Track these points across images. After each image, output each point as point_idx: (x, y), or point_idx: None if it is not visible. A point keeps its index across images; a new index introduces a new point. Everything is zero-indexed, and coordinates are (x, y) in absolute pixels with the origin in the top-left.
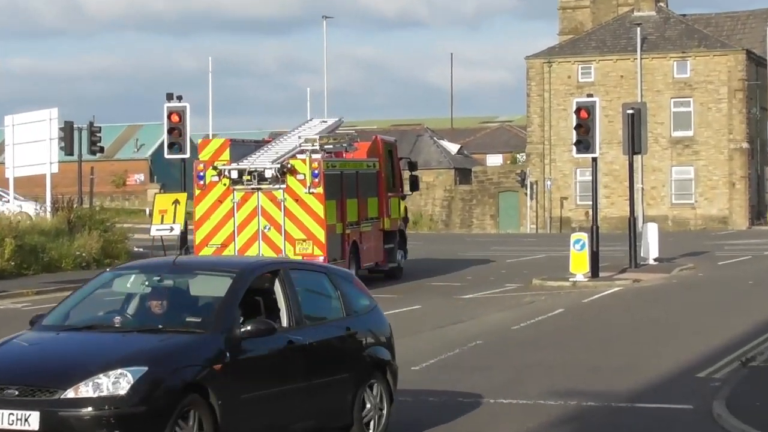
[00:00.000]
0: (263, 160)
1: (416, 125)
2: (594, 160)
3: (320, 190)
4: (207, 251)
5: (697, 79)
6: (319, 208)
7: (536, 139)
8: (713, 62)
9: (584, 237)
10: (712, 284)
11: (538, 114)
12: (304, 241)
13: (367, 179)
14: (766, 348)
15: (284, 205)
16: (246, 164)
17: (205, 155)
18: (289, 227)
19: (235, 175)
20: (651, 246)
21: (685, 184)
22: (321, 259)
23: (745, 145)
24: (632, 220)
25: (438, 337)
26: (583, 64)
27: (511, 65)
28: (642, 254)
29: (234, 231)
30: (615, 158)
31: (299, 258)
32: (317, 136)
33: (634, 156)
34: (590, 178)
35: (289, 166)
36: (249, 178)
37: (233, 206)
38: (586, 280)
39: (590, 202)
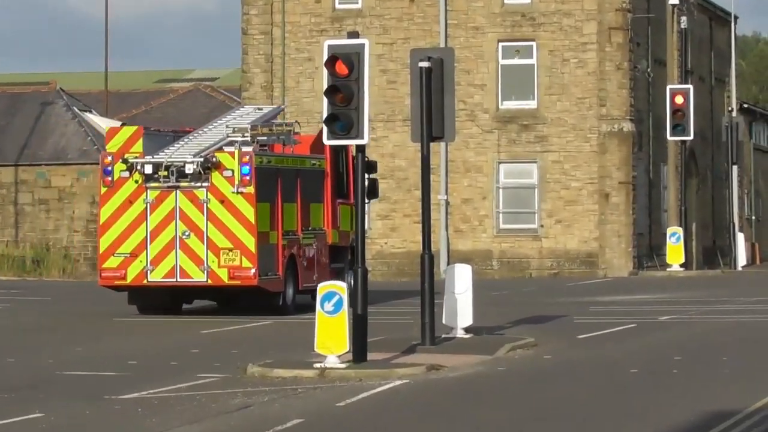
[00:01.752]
0: (183, 153)
1: (41, 85)
2: (360, 150)
3: (251, 189)
4: (114, 262)
5: (544, 9)
6: (249, 212)
7: None
8: None
9: (341, 289)
10: (568, 375)
11: (263, 67)
12: (230, 250)
13: (310, 180)
14: None
15: (207, 207)
16: (162, 157)
17: (113, 146)
18: (213, 234)
19: (149, 169)
20: (461, 306)
21: (523, 195)
22: (252, 272)
23: (627, 126)
24: (427, 260)
25: None
26: None
27: None
28: (445, 320)
29: (146, 237)
30: (399, 148)
31: (224, 270)
32: (249, 126)
33: (433, 144)
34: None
35: (214, 160)
36: (166, 173)
37: (146, 207)
38: (345, 366)
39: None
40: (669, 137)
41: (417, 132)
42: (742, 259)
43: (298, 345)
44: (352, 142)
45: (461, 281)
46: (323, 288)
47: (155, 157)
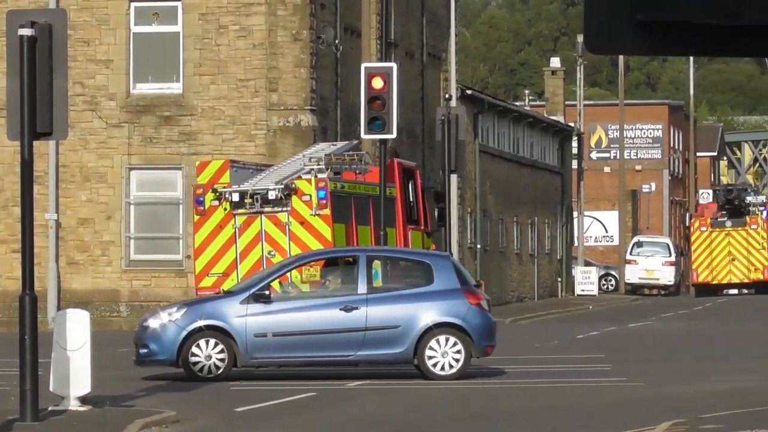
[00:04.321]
0: (266, 182)
1: None
2: None
3: (327, 211)
4: (208, 281)
5: None
6: (326, 231)
7: None
8: None
9: None
10: None
11: None
12: (310, 267)
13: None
14: None
15: (289, 229)
16: (248, 186)
17: (203, 178)
18: (295, 252)
19: (236, 197)
20: (75, 368)
21: (163, 214)
22: None
23: (306, 119)
24: (29, 303)
25: None
26: None
27: None
28: (53, 387)
29: (236, 258)
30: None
31: (306, 285)
32: (323, 155)
33: (38, 143)
34: None
35: (293, 186)
36: (251, 201)
37: (235, 232)
38: None
39: None
40: (363, 135)
41: (15, 126)
42: None
43: None
44: None
45: (76, 333)
46: None
47: (241, 186)
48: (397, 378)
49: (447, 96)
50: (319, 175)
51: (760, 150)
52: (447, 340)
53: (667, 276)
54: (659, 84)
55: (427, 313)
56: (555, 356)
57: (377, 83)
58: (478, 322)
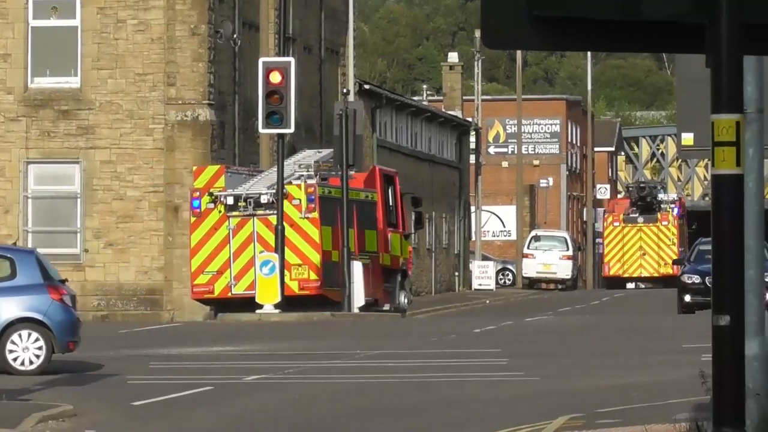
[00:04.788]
0: (259, 187)
1: None
2: None
3: (316, 215)
4: (203, 279)
5: None
6: (314, 233)
7: None
8: None
9: None
10: None
11: None
12: (299, 266)
13: (364, 210)
14: None
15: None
16: (242, 191)
17: (200, 182)
18: (285, 252)
19: (230, 201)
20: None
21: (61, 208)
22: (318, 284)
23: (204, 113)
24: None
25: None
26: None
27: None
28: None
29: (230, 258)
30: None
31: (295, 283)
32: (312, 162)
33: None
34: None
35: (284, 191)
36: (244, 204)
37: (229, 233)
38: None
39: None
40: (261, 129)
41: None
42: (359, 297)
43: None
44: None
45: None
46: None
47: (235, 190)
48: (293, 374)
49: (345, 90)
50: (309, 181)
51: (658, 145)
52: (29, 335)
53: (564, 270)
54: (557, 79)
55: (8, 308)
56: (452, 350)
57: (275, 78)
58: (60, 317)
